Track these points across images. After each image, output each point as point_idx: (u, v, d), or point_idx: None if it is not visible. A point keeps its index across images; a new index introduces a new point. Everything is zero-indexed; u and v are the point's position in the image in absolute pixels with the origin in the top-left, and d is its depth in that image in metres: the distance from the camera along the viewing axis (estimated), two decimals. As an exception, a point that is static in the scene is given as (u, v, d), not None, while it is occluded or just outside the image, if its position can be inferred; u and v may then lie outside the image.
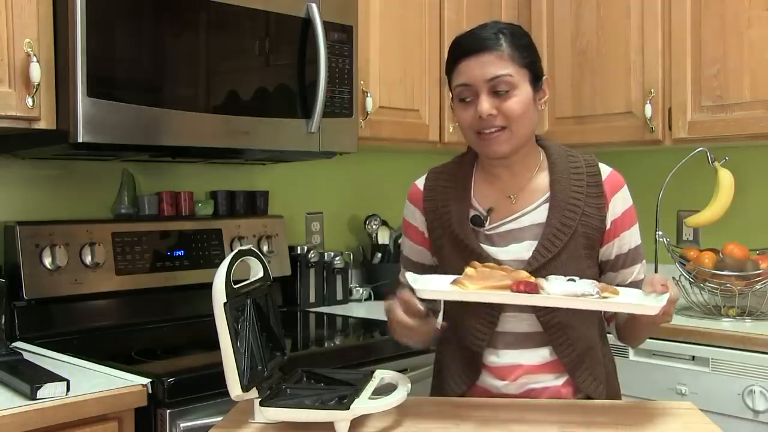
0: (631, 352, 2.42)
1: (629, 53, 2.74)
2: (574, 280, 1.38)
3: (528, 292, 1.33)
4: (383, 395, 1.36)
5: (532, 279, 1.40)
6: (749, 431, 2.18)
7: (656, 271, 2.52)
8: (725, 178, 2.44)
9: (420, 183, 1.68)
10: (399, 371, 1.54)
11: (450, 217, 1.60)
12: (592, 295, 1.34)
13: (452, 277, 1.44)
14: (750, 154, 2.78)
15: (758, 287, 2.38)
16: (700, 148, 2.44)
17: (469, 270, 1.42)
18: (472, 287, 1.35)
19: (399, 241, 1.82)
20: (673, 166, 2.47)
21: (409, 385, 1.41)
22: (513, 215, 1.57)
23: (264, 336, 1.44)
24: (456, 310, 1.60)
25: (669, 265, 2.55)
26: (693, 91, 2.59)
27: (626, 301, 1.40)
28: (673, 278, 2.52)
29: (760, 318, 2.38)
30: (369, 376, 1.45)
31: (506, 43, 1.51)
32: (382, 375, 1.46)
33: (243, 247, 1.47)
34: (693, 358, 2.31)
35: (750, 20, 2.47)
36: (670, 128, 2.65)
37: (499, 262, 1.53)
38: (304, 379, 1.49)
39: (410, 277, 1.44)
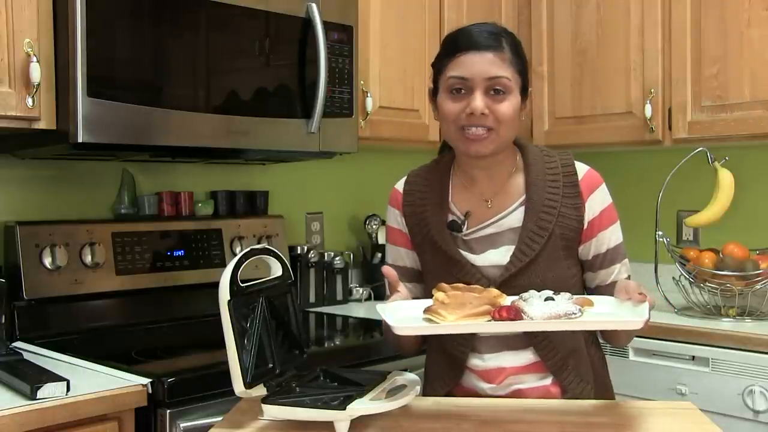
0: (631, 351, 2.42)
1: (629, 53, 2.74)
2: (552, 298, 1.34)
3: (510, 319, 1.31)
4: (393, 396, 1.36)
5: (504, 297, 1.38)
6: (749, 431, 2.18)
7: (656, 272, 2.52)
8: (725, 178, 2.44)
9: (399, 186, 1.67)
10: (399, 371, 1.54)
11: (428, 222, 1.59)
12: (574, 314, 1.31)
13: (422, 302, 1.41)
14: (750, 154, 2.78)
15: (758, 287, 2.38)
16: (700, 148, 2.44)
17: (439, 295, 1.38)
18: (450, 317, 1.32)
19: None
20: (673, 166, 2.47)
21: (418, 387, 1.41)
22: (489, 220, 1.56)
23: (280, 334, 1.44)
24: None
25: (669, 265, 2.55)
26: (693, 91, 2.59)
27: (609, 318, 1.38)
28: (673, 278, 2.52)
29: (760, 318, 2.38)
30: (383, 377, 1.45)
31: (508, 46, 1.51)
32: (395, 377, 1.46)
33: (256, 246, 1.47)
34: (693, 358, 2.31)
35: (750, 20, 2.47)
36: (670, 128, 2.65)
37: (478, 268, 1.53)
38: (321, 378, 1.48)
39: (380, 309, 1.38)
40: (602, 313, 1.39)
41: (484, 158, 1.54)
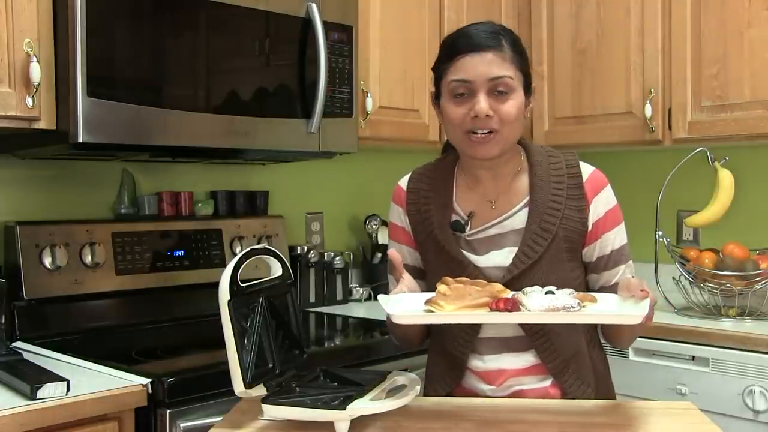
0: (631, 352, 2.42)
1: (629, 53, 2.74)
2: (552, 292, 1.34)
3: (508, 310, 1.30)
4: (393, 396, 1.36)
5: (508, 292, 1.38)
6: (749, 431, 2.18)
7: (656, 272, 2.52)
8: (725, 178, 2.44)
9: (403, 183, 1.66)
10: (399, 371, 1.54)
11: (432, 221, 1.58)
12: (573, 307, 1.31)
13: (424, 295, 1.41)
14: (750, 154, 2.78)
15: (758, 287, 2.38)
16: (700, 148, 2.44)
17: (442, 287, 1.37)
18: (448, 308, 1.31)
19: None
20: (673, 166, 2.47)
21: (418, 387, 1.41)
22: (493, 221, 1.55)
23: (280, 334, 1.45)
24: None
25: (669, 265, 2.55)
26: (693, 91, 2.59)
27: (608, 311, 1.38)
28: (673, 278, 2.52)
29: (760, 318, 2.38)
30: (383, 377, 1.45)
31: (507, 45, 1.49)
32: (395, 377, 1.46)
33: (256, 246, 1.47)
34: (693, 358, 2.31)
35: (750, 20, 2.48)
36: (670, 128, 2.65)
37: (480, 270, 1.52)
38: (321, 378, 1.48)
39: (382, 300, 1.38)
40: (601, 309, 1.39)
41: (491, 160, 1.53)
